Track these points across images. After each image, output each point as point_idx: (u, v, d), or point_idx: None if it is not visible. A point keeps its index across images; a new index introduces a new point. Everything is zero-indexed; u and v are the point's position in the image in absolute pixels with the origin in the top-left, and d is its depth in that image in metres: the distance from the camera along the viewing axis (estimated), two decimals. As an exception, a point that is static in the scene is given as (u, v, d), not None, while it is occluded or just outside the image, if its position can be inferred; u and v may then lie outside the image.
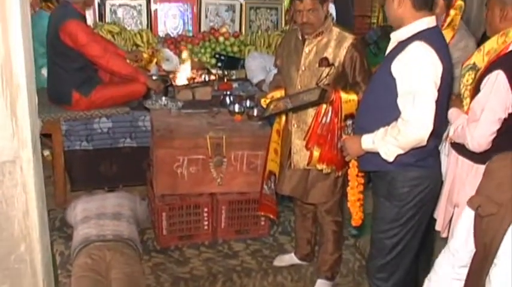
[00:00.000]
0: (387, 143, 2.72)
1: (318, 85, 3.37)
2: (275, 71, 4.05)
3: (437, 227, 3.27)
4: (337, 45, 3.43)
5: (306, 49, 3.48)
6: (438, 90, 2.68)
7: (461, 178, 3.03)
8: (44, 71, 4.88)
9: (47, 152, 5.12)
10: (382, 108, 2.82)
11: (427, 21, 2.77)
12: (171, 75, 5.16)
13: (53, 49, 4.62)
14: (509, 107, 2.78)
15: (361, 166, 3.06)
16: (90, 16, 5.54)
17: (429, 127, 2.64)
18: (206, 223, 4.35)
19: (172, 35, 5.91)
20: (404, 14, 2.78)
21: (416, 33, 2.74)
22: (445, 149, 3.22)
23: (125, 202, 4.22)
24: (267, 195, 3.85)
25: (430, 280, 3.08)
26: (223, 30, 5.95)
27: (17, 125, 1.62)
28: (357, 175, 3.13)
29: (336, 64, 3.42)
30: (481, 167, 2.85)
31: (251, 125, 4.43)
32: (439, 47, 2.71)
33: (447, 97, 2.89)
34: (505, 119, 2.79)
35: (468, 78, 2.98)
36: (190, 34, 5.97)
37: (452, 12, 3.33)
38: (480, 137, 2.81)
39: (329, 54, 3.42)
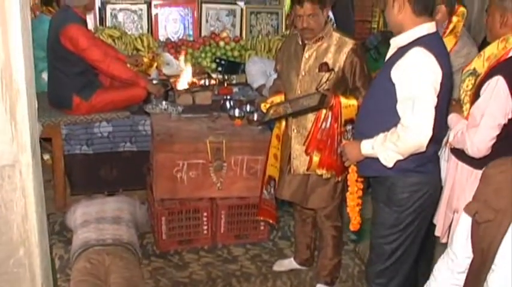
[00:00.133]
0: (387, 148, 2.73)
1: (318, 90, 3.37)
2: (275, 75, 4.05)
3: (437, 232, 3.27)
4: (337, 51, 3.43)
5: (306, 54, 3.48)
6: (438, 96, 2.69)
7: (460, 184, 3.03)
8: (45, 75, 4.88)
9: (47, 156, 5.12)
10: (382, 114, 2.82)
11: (427, 27, 2.77)
12: (171, 80, 5.16)
13: (54, 53, 4.62)
14: (509, 113, 2.78)
15: (360, 171, 3.06)
16: (90, 20, 5.55)
17: (428, 133, 2.65)
18: (206, 227, 4.34)
19: (172, 40, 5.92)
20: (405, 19, 2.78)
21: (416, 39, 2.74)
22: (444, 154, 3.22)
23: (125, 206, 4.22)
24: (267, 200, 3.85)
25: (430, 286, 3.08)
26: (224, 34, 5.96)
27: (16, 130, 1.62)
28: (356, 180, 3.13)
29: (336, 69, 3.42)
30: (481, 173, 2.85)
31: (251, 129, 4.43)
32: (438, 52, 2.72)
33: (447, 103, 2.90)
34: (504, 125, 2.79)
35: (468, 84, 2.98)
36: (191, 39, 5.98)
37: (454, 19, 3.33)
38: (480, 142, 2.80)
39: (329, 59, 3.43)
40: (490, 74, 2.82)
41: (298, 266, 4.14)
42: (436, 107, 2.68)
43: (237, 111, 4.62)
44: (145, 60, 5.34)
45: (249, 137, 4.33)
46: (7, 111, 1.59)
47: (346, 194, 3.23)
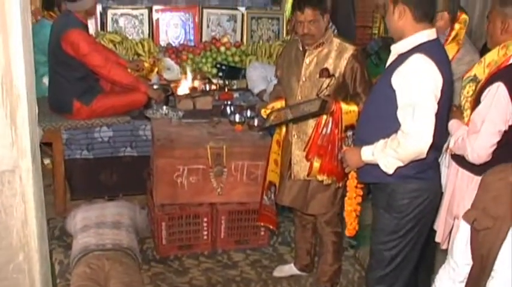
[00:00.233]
0: (387, 155, 2.72)
1: (319, 96, 3.37)
2: (275, 81, 4.05)
3: (437, 238, 3.26)
4: (337, 56, 3.43)
5: (307, 60, 3.48)
6: (438, 103, 2.69)
7: (461, 190, 3.03)
8: (45, 80, 4.89)
9: (47, 161, 5.13)
10: (382, 120, 2.82)
11: (428, 34, 2.78)
12: (172, 85, 5.16)
13: (55, 58, 4.63)
14: (509, 119, 2.78)
15: (360, 177, 3.06)
16: (91, 25, 5.55)
17: (429, 140, 2.65)
18: (206, 232, 4.34)
19: (173, 45, 5.93)
20: (405, 26, 2.78)
21: (416, 46, 2.74)
22: (445, 160, 3.22)
23: (125, 211, 4.21)
24: (267, 205, 3.85)
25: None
26: (225, 40, 5.96)
27: (16, 135, 1.62)
28: (356, 187, 3.13)
29: (337, 75, 3.42)
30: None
31: (251, 135, 4.43)
32: (439, 59, 2.72)
33: (447, 109, 2.90)
34: (505, 131, 2.79)
35: (469, 90, 2.98)
36: (192, 44, 5.99)
37: (457, 26, 3.33)
38: (480, 148, 2.80)
39: (329, 65, 3.43)
40: (490, 80, 2.82)
41: (298, 272, 4.13)
42: (437, 114, 2.68)
43: (237, 117, 4.62)
44: (146, 65, 5.35)
45: (249, 142, 4.33)
46: (7, 117, 1.60)
47: (345, 199, 3.23)
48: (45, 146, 4.86)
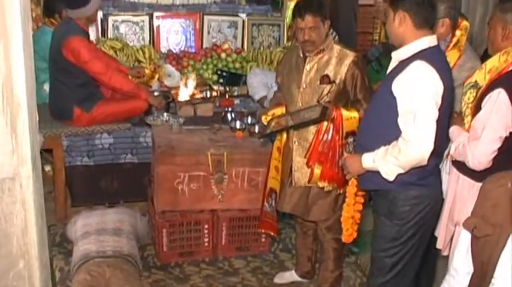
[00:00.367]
0: (388, 162, 2.72)
1: (319, 102, 3.37)
2: (276, 88, 4.05)
3: (438, 245, 3.26)
4: (338, 63, 3.44)
5: (307, 66, 3.49)
6: (439, 110, 2.69)
7: (462, 196, 3.03)
8: (46, 87, 4.90)
9: (48, 168, 5.13)
10: (383, 127, 2.82)
11: (428, 40, 2.78)
12: (172, 91, 5.16)
13: (55, 65, 4.63)
14: (510, 126, 2.78)
15: (361, 184, 3.05)
16: (92, 32, 5.56)
17: (430, 147, 2.65)
18: (207, 239, 4.33)
19: (174, 51, 5.94)
20: (405, 32, 2.79)
21: (417, 53, 2.75)
22: (446, 167, 3.22)
23: (125, 218, 4.21)
24: (268, 212, 3.85)
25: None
26: (226, 46, 5.97)
27: (16, 142, 1.62)
28: (356, 194, 3.12)
29: (337, 81, 3.43)
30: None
31: (252, 141, 4.43)
32: (440, 66, 2.72)
33: (448, 116, 2.89)
34: (506, 138, 2.79)
35: (469, 96, 2.98)
36: (193, 50, 5.99)
37: (458, 32, 3.33)
38: (481, 155, 2.80)
39: (330, 71, 3.43)
40: (491, 86, 2.82)
41: (299, 279, 4.12)
42: (437, 121, 2.68)
43: (238, 124, 4.62)
44: (147, 71, 5.35)
45: (250, 149, 4.32)
46: (8, 124, 1.60)
47: (343, 205, 3.22)
48: (46, 153, 4.85)
